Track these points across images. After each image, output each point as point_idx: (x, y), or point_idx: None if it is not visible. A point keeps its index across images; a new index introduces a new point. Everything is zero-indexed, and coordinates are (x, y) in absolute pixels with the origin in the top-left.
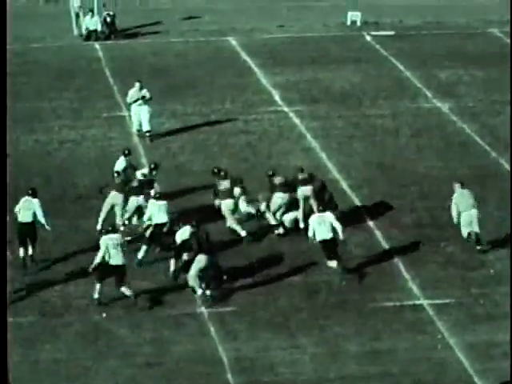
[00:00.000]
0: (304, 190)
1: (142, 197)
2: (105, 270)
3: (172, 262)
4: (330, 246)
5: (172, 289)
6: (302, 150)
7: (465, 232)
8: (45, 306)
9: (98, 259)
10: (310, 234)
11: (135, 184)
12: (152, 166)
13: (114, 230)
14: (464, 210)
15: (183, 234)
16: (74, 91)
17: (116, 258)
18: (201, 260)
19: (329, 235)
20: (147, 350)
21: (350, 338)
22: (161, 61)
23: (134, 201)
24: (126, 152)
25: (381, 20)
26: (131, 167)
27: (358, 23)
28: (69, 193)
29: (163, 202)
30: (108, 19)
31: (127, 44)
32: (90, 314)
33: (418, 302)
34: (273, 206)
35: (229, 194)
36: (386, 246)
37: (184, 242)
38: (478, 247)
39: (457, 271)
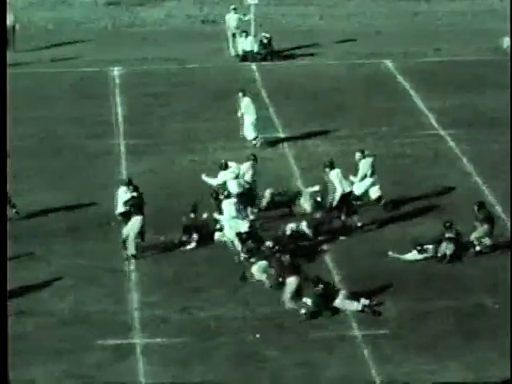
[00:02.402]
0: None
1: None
2: None
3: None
4: None
5: (324, 311)
6: (458, 173)
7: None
8: (198, 328)
9: None
10: None
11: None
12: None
13: None
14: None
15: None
16: (229, 112)
17: None
18: (291, 282)
19: None
20: (298, 373)
21: (498, 362)
22: (316, 83)
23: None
24: (253, 157)
25: None
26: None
27: None
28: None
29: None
30: (264, 40)
31: (283, 65)
32: (242, 336)
33: None
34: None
35: None
36: None
37: None
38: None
39: None
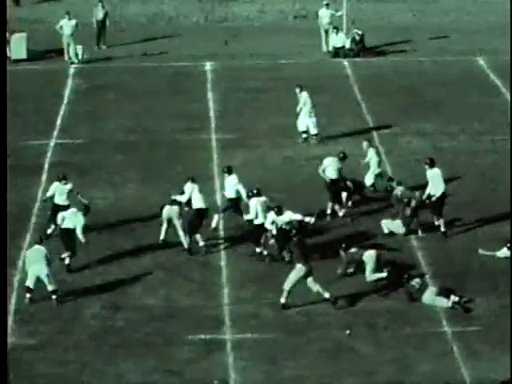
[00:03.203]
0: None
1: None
2: None
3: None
4: None
5: (415, 307)
6: None
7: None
8: (288, 323)
9: None
10: None
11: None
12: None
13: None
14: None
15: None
16: (321, 108)
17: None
18: (301, 270)
19: None
20: (389, 370)
21: None
22: (408, 79)
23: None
24: (341, 155)
25: None
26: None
27: None
28: (313, 211)
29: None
30: (357, 37)
31: (375, 62)
32: (333, 331)
33: None
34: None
35: None
36: None
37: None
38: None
39: None
